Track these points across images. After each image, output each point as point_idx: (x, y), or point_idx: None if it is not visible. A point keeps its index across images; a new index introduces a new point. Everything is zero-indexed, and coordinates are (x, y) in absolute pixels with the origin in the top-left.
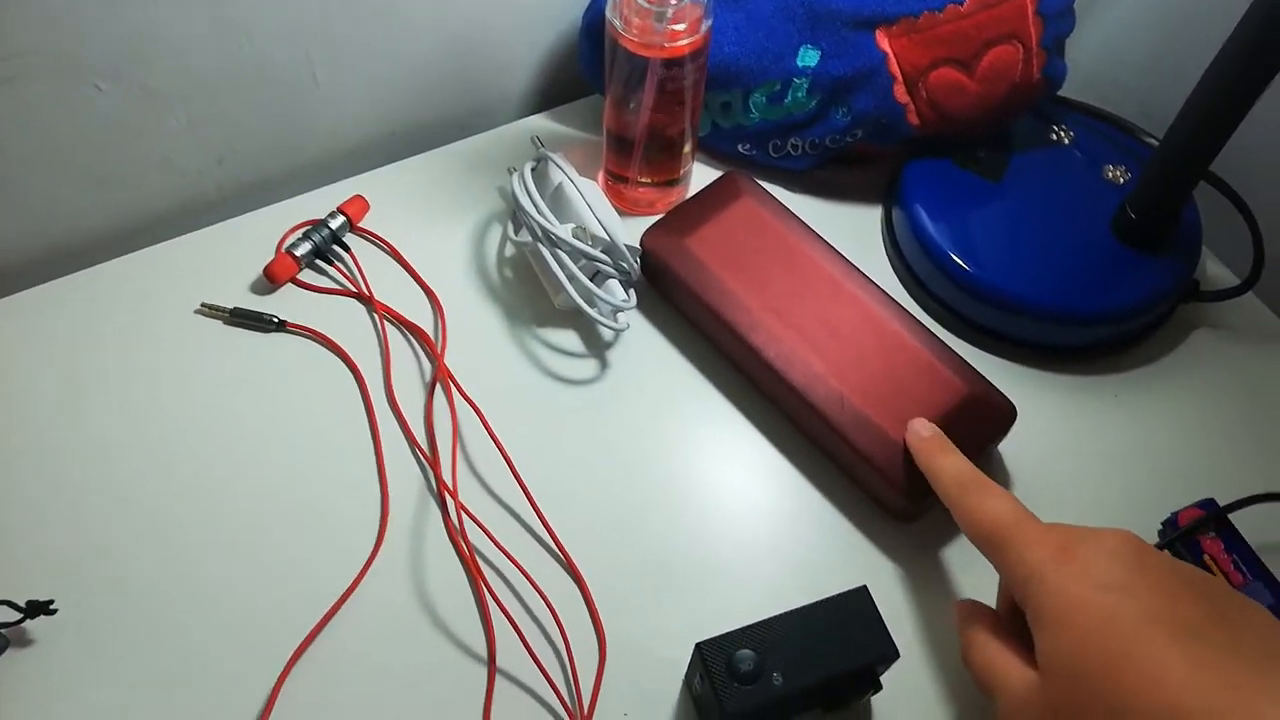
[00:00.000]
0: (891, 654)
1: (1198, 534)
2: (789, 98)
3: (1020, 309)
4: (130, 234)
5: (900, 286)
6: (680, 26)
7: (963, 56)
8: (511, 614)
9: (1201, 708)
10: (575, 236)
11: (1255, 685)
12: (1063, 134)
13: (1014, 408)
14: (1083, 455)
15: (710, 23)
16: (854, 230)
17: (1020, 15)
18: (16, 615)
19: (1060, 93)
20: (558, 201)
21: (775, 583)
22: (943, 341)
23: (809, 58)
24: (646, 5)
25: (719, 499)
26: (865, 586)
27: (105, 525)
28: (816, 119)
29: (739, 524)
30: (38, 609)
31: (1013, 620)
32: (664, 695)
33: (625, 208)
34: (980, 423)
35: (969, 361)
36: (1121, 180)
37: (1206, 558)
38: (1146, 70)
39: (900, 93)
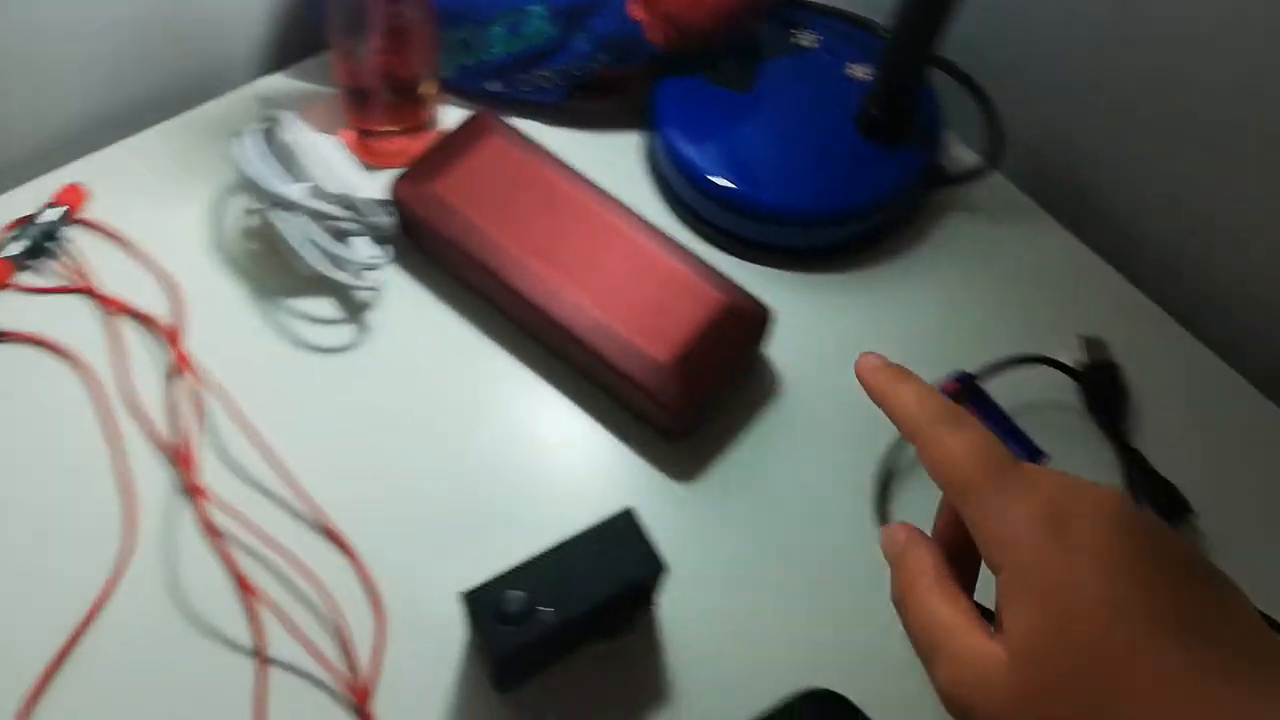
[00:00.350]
0: (657, 569)
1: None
2: (527, 26)
3: (775, 217)
4: None
5: (665, 209)
6: None
7: None
8: (277, 600)
9: (1205, 714)
10: (314, 196)
11: (1258, 690)
12: (807, 38)
13: (767, 309)
14: (846, 348)
15: None
16: (614, 158)
17: None
18: None
19: None
20: (290, 162)
21: (556, 519)
22: (698, 257)
23: None
24: None
25: (493, 446)
26: (630, 509)
27: None
28: (559, 47)
29: (514, 468)
30: None
31: (959, 562)
32: (449, 655)
33: (378, 162)
34: (739, 328)
35: (731, 275)
36: (865, 78)
37: None
38: None
39: (636, 10)
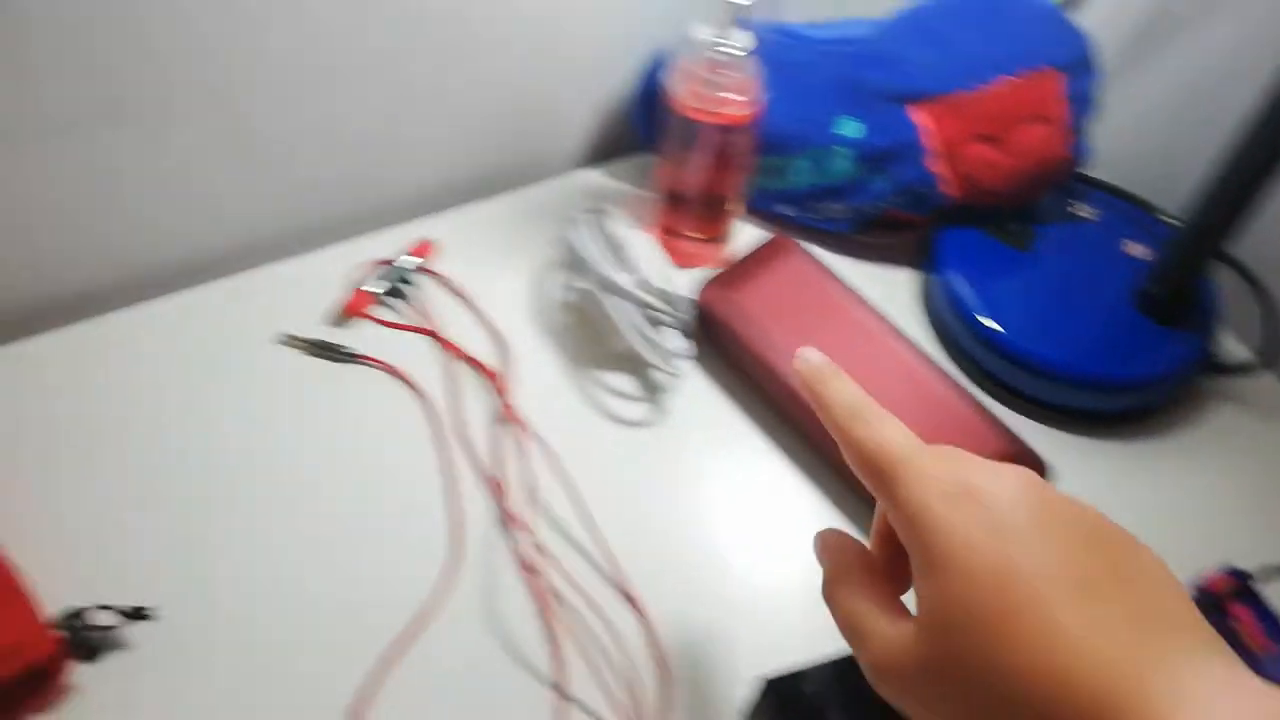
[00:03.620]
0: None
1: (1226, 600)
2: (831, 165)
3: (1047, 372)
4: (215, 263)
5: (934, 346)
6: (735, 97)
7: (994, 132)
8: (579, 645)
9: (1089, 674)
10: (640, 285)
11: (1146, 653)
12: (1087, 210)
13: (1044, 463)
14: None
15: (763, 95)
16: (890, 291)
17: (1050, 97)
18: (117, 620)
19: (1084, 171)
20: (616, 252)
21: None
22: (976, 399)
23: (851, 129)
24: (704, 75)
25: (767, 538)
26: None
27: (191, 541)
28: (857, 186)
29: (790, 563)
30: (137, 614)
31: (889, 565)
32: None
33: (679, 262)
34: None
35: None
36: (1141, 255)
37: (1234, 622)
38: (1165, 152)
39: (935, 165)
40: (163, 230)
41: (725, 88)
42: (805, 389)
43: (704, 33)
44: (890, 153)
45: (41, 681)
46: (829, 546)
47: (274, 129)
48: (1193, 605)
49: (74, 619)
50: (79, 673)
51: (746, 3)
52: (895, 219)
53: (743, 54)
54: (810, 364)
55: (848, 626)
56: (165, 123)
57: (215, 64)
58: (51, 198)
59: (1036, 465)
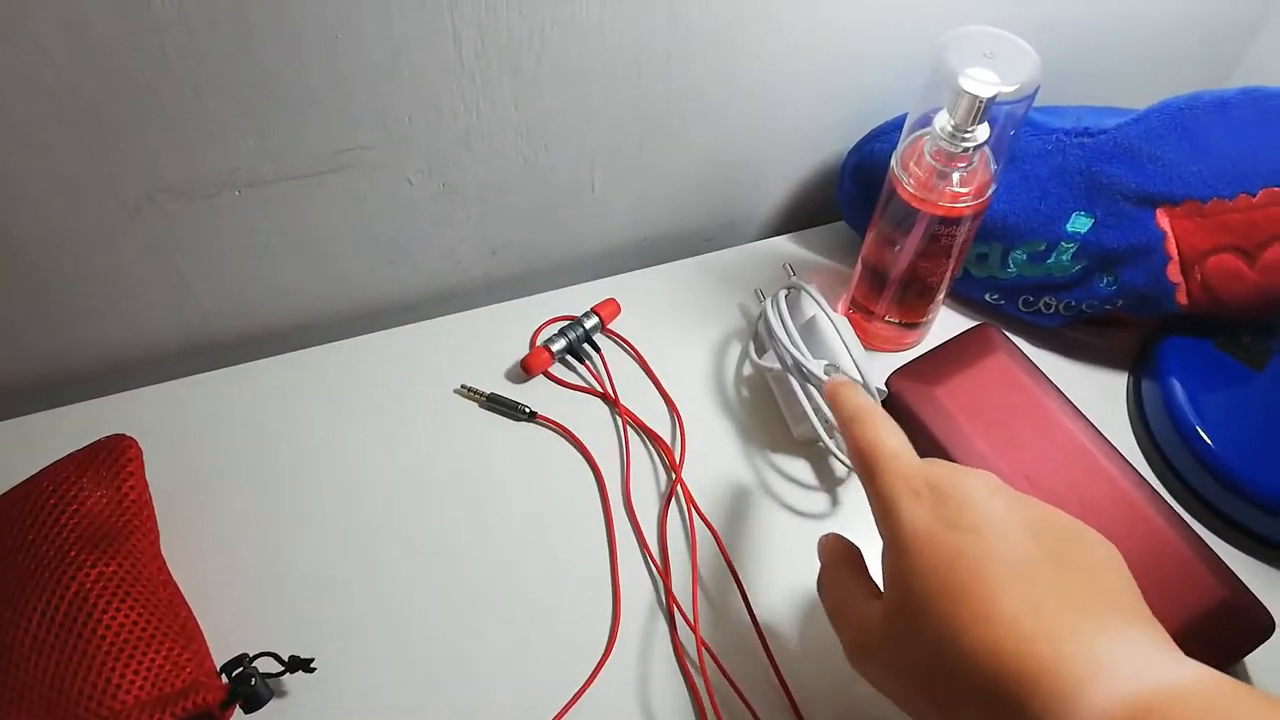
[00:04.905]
0: None
1: None
2: (1052, 259)
3: (1263, 502)
4: (401, 309)
5: (1142, 460)
6: (964, 189)
7: (1246, 246)
8: None
9: (1016, 647)
10: (826, 373)
11: (1070, 627)
12: None
13: (1271, 618)
14: None
15: (994, 189)
16: (1095, 394)
17: None
18: (278, 667)
19: None
20: (809, 332)
21: None
22: (1199, 535)
23: (1081, 224)
24: (933, 163)
25: None
26: None
27: (351, 590)
28: (1077, 283)
29: None
30: (298, 664)
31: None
32: None
33: (870, 344)
34: (1233, 631)
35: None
36: None
37: None
38: None
39: (1174, 272)
40: (365, 272)
41: (953, 180)
42: (826, 395)
43: (941, 120)
44: (1121, 254)
45: None
46: (826, 546)
47: (478, 180)
48: (1132, 587)
49: (240, 665)
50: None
51: (989, 95)
52: (1111, 318)
53: (979, 146)
54: (835, 379)
55: (832, 608)
56: (393, 175)
57: (440, 127)
58: (289, 236)
59: (1262, 618)
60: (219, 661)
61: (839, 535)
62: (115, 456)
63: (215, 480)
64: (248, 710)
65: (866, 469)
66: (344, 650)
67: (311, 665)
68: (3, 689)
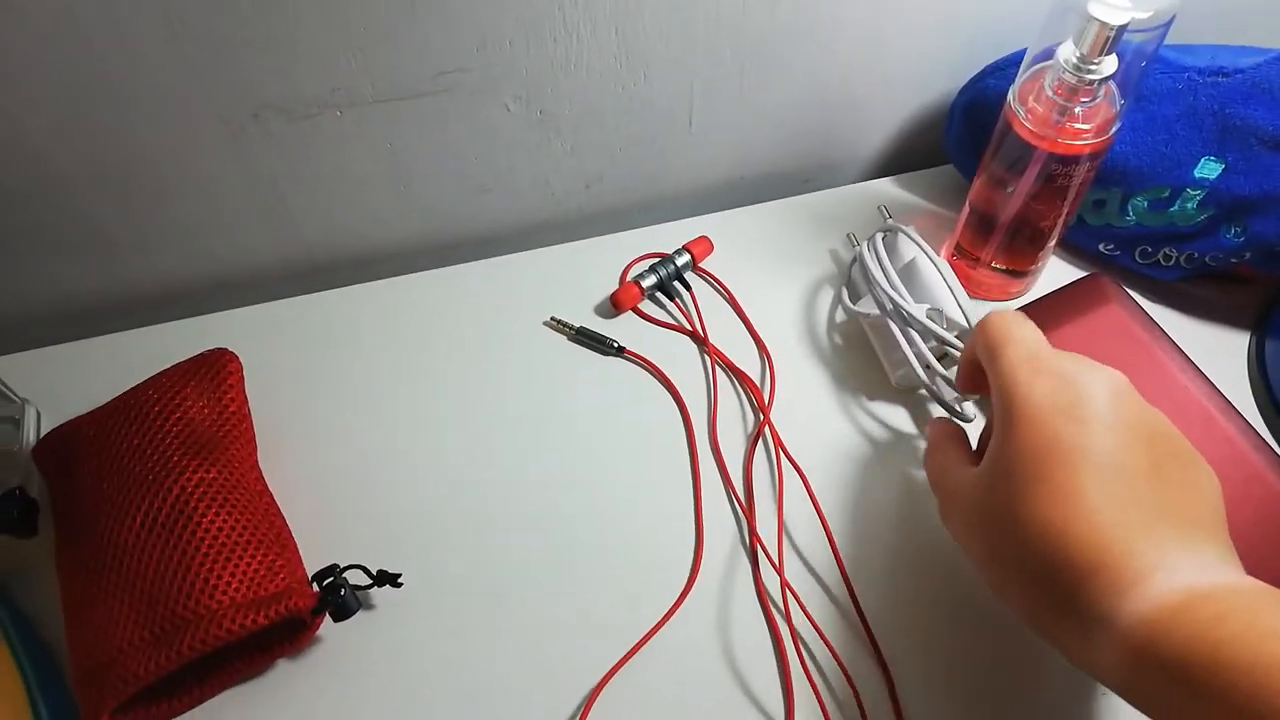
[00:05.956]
0: None
1: None
2: (1175, 207)
3: None
4: (493, 240)
5: (1262, 425)
6: (1085, 126)
7: None
8: (814, 696)
9: (1088, 535)
10: (929, 317)
11: (1146, 531)
12: None
13: None
14: None
15: (1119, 126)
16: (1214, 353)
17: None
18: (366, 580)
19: None
20: (909, 276)
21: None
22: None
23: (1210, 170)
24: (1054, 97)
25: None
26: None
27: (436, 511)
28: (1201, 233)
29: None
30: (386, 579)
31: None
32: None
33: (974, 292)
34: None
35: None
36: None
37: None
38: None
39: None
40: (459, 201)
41: (1075, 115)
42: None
43: (1066, 50)
44: (1254, 203)
45: (298, 630)
46: (934, 426)
47: (575, 109)
48: (1221, 517)
49: (331, 575)
50: (326, 626)
51: (1121, 22)
52: (1235, 273)
53: (1104, 79)
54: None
55: (933, 474)
56: (491, 100)
57: (540, 51)
58: (386, 160)
59: None
60: (310, 572)
61: (945, 418)
62: (217, 369)
63: (309, 400)
64: (336, 619)
65: (994, 350)
66: (429, 571)
67: (399, 580)
68: (108, 583)
